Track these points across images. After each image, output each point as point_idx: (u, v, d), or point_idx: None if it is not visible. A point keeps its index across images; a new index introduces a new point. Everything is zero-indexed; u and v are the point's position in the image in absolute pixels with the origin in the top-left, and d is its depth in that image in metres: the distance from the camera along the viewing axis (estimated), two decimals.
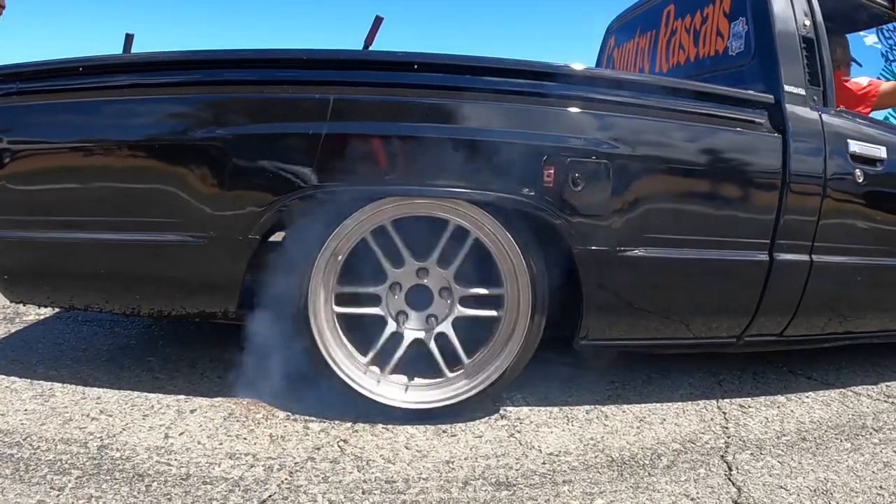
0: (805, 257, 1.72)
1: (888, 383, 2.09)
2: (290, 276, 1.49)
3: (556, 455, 1.45)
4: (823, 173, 1.70)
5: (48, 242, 1.52)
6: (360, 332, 1.60)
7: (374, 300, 1.59)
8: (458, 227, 1.53)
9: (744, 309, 1.73)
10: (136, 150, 1.47)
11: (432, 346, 1.59)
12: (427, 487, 1.29)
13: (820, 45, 1.80)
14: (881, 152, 1.80)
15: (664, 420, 1.68)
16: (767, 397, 1.89)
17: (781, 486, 1.37)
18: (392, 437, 1.49)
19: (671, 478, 1.38)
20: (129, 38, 1.72)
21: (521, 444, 1.50)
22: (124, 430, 1.44)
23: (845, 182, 1.74)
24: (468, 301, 1.60)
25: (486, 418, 1.61)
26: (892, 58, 3.03)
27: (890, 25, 2.60)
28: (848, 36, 2.54)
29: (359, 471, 1.33)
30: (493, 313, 1.58)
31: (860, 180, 1.75)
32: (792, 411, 1.80)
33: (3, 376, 1.70)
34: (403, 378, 1.59)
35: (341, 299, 1.57)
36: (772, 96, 1.70)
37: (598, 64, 2.87)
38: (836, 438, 1.64)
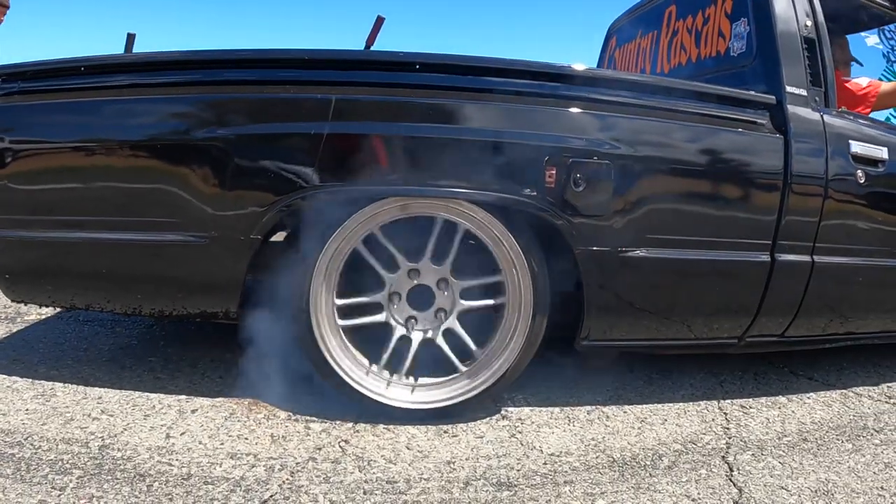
0: (806, 258, 1.72)
1: (889, 384, 2.09)
2: (292, 276, 1.49)
3: (558, 455, 1.45)
4: (825, 174, 1.70)
5: (50, 242, 1.52)
6: (361, 333, 1.60)
7: (377, 308, 1.58)
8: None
9: (745, 309, 1.73)
10: (137, 149, 1.47)
11: (440, 341, 1.58)
12: (428, 488, 1.29)
13: (822, 46, 1.80)
14: (883, 153, 1.80)
15: (665, 421, 1.68)
16: (769, 398, 1.89)
17: (783, 487, 1.37)
18: (393, 437, 1.49)
19: (672, 478, 1.38)
20: (130, 38, 1.72)
21: (522, 444, 1.50)
22: (126, 429, 1.44)
23: (847, 183, 1.74)
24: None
25: (488, 419, 1.61)
26: (893, 58, 3.03)
27: (891, 26, 2.60)
28: (849, 37, 2.54)
29: (360, 471, 1.33)
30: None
31: (862, 181, 1.75)
32: (793, 412, 1.80)
33: (5, 376, 1.70)
34: (410, 379, 1.59)
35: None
36: (773, 97, 1.70)
37: (600, 64, 2.87)
38: (838, 439, 1.64)
